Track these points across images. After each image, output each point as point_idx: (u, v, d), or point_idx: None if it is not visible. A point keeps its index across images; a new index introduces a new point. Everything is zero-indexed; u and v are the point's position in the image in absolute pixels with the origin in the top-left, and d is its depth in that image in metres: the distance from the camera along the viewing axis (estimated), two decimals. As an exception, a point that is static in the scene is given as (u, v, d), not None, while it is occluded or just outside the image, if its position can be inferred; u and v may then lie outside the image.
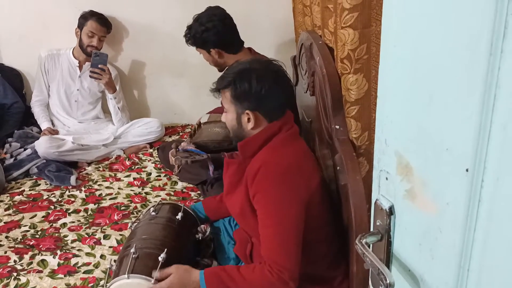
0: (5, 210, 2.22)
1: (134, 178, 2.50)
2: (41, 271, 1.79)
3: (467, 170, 0.56)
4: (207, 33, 2.22)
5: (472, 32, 0.53)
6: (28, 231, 2.06)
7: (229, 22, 2.28)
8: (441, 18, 0.59)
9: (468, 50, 0.54)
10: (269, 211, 1.41)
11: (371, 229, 0.80)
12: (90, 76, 2.72)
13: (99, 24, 2.76)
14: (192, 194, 2.33)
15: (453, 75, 0.57)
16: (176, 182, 2.44)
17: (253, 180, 1.43)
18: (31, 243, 1.97)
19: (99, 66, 2.68)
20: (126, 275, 1.45)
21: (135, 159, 2.69)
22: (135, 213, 2.19)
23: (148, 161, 2.67)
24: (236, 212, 1.57)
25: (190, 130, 2.98)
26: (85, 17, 2.77)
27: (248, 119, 1.49)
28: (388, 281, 0.69)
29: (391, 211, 0.74)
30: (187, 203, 2.06)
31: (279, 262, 1.36)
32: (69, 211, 2.21)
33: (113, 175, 2.55)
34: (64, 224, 2.10)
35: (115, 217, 2.15)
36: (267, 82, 1.47)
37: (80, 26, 2.78)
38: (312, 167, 1.52)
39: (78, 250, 1.91)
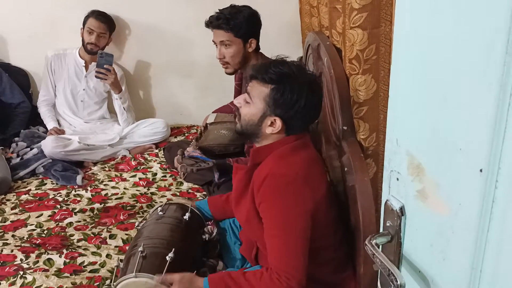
0: (12, 209, 2.23)
1: (140, 178, 2.50)
2: (47, 270, 1.79)
3: (481, 171, 0.56)
4: (253, 20, 2.05)
5: (487, 31, 0.53)
6: (34, 230, 2.07)
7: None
8: (455, 18, 0.58)
9: (483, 49, 0.54)
10: (275, 222, 1.39)
11: (381, 230, 0.80)
12: (96, 76, 2.73)
13: (98, 21, 2.77)
14: (198, 194, 2.33)
15: (468, 75, 0.57)
16: (181, 183, 2.44)
17: (259, 189, 1.41)
18: (37, 242, 1.97)
19: (105, 66, 2.69)
20: (133, 274, 1.45)
21: (141, 159, 2.70)
22: (140, 213, 2.19)
23: (154, 161, 2.67)
24: (242, 219, 1.55)
25: (195, 130, 2.98)
26: (87, 16, 2.79)
27: (272, 123, 1.43)
28: (398, 282, 0.69)
29: (402, 212, 0.74)
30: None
31: (287, 270, 1.35)
32: (75, 211, 2.21)
33: (119, 175, 2.55)
34: (70, 224, 2.10)
35: (121, 217, 2.15)
36: (312, 102, 1.41)
37: (83, 24, 2.80)
38: (319, 176, 1.49)
39: (84, 249, 1.92)
